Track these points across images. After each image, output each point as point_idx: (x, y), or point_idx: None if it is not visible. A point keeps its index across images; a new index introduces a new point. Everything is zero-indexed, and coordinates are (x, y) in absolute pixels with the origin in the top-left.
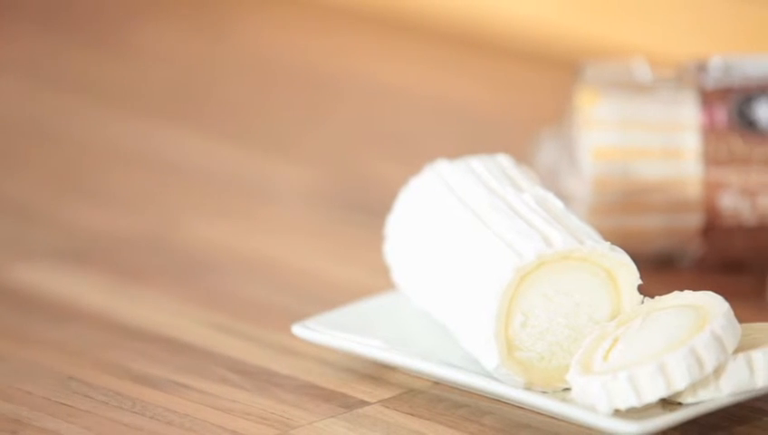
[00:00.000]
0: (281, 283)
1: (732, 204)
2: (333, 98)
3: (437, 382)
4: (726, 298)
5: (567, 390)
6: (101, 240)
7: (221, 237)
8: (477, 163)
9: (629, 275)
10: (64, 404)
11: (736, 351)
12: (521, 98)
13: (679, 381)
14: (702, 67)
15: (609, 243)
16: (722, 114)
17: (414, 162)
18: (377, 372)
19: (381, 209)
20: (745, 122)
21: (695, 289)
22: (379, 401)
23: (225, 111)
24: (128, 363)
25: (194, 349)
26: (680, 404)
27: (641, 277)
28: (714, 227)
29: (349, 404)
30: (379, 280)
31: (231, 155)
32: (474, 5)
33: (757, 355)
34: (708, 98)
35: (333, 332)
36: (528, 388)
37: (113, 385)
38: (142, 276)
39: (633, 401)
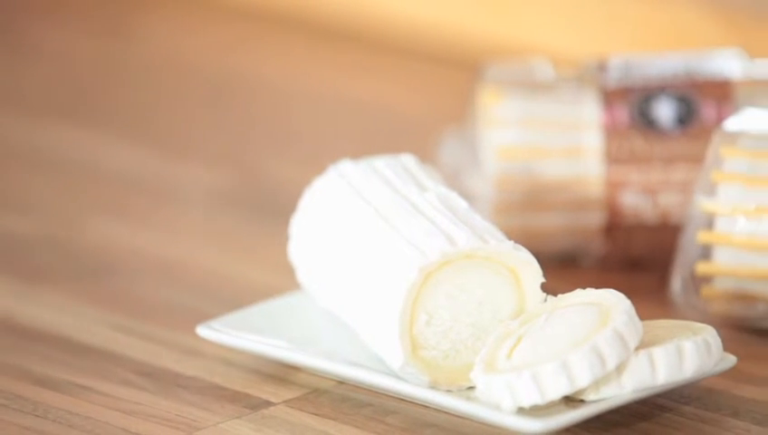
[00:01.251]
0: (185, 284)
1: (633, 202)
2: (237, 99)
3: (342, 382)
4: (628, 296)
5: (471, 388)
6: (3, 242)
7: (125, 239)
8: (381, 163)
9: (533, 273)
10: None
11: (638, 348)
12: (424, 98)
13: (582, 379)
14: (602, 67)
15: (512, 241)
16: (623, 113)
17: (318, 163)
18: (282, 373)
19: (285, 210)
20: (646, 121)
21: (597, 287)
22: (284, 402)
23: (129, 112)
24: (29, 366)
25: (97, 351)
26: (583, 401)
27: (544, 275)
28: (616, 225)
29: (253, 405)
30: (284, 280)
31: (134, 156)
32: (377, 5)
33: (658, 352)
34: (609, 97)
35: (238, 332)
36: (433, 387)
37: (14, 388)
38: (44, 278)
39: (537, 399)
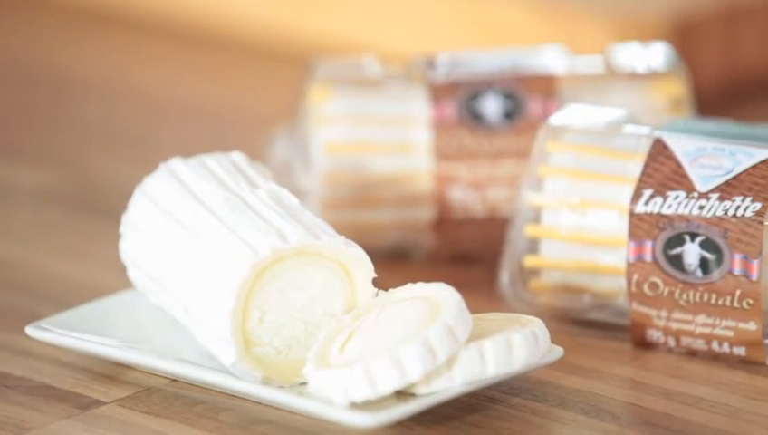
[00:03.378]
0: (15, 283)
1: (462, 197)
2: (65, 97)
3: (174, 380)
4: (458, 289)
5: (304, 384)
6: None
7: None
8: (211, 161)
9: (364, 268)
10: None
11: (468, 341)
12: (254, 95)
13: (413, 373)
14: (430, 63)
15: (343, 237)
16: (451, 109)
17: (148, 161)
18: (113, 372)
19: (116, 208)
20: (473, 117)
21: (427, 281)
22: (115, 401)
23: None
24: None
25: None
26: (415, 395)
27: (376, 271)
28: (445, 219)
29: (84, 404)
30: (116, 279)
31: None
32: (207, 3)
33: (488, 345)
34: (437, 93)
35: (68, 332)
36: (265, 383)
37: None
38: None
39: (369, 394)
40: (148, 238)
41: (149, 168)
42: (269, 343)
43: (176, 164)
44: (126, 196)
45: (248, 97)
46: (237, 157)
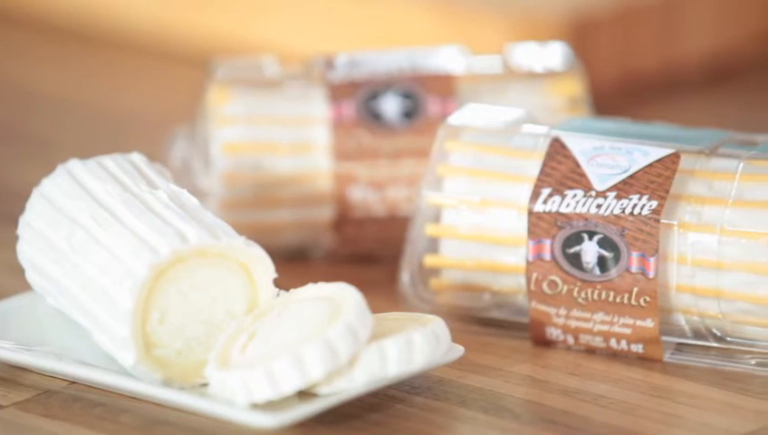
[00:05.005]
0: None
1: (362, 196)
2: None
3: (73, 382)
4: (359, 289)
5: (206, 385)
6: None
7: None
8: (110, 162)
9: (264, 268)
10: None
11: (369, 340)
12: (153, 96)
13: (315, 372)
14: (329, 63)
15: (243, 238)
16: (350, 109)
17: (46, 162)
18: (11, 375)
19: (13, 210)
20: (372, 117)
21: (329, 281)
22: (14, 404)
23: None
24: None
25: None
26: (317, 395)
27: (276, 271)
28: (345, 219)
29: None
30: (14, 282)
31: None
32: (105, 3)
33: (389, 344)
34: (336, 93)
35: None
36: (166, 384)
37: None
38: None
39: (270, 394)
40: (45, 240)
41: (47, 169)
42: (169, 344)
43: (74, 165)
44: (23, 197)
45: (147, 98)
46: (136, 157)
